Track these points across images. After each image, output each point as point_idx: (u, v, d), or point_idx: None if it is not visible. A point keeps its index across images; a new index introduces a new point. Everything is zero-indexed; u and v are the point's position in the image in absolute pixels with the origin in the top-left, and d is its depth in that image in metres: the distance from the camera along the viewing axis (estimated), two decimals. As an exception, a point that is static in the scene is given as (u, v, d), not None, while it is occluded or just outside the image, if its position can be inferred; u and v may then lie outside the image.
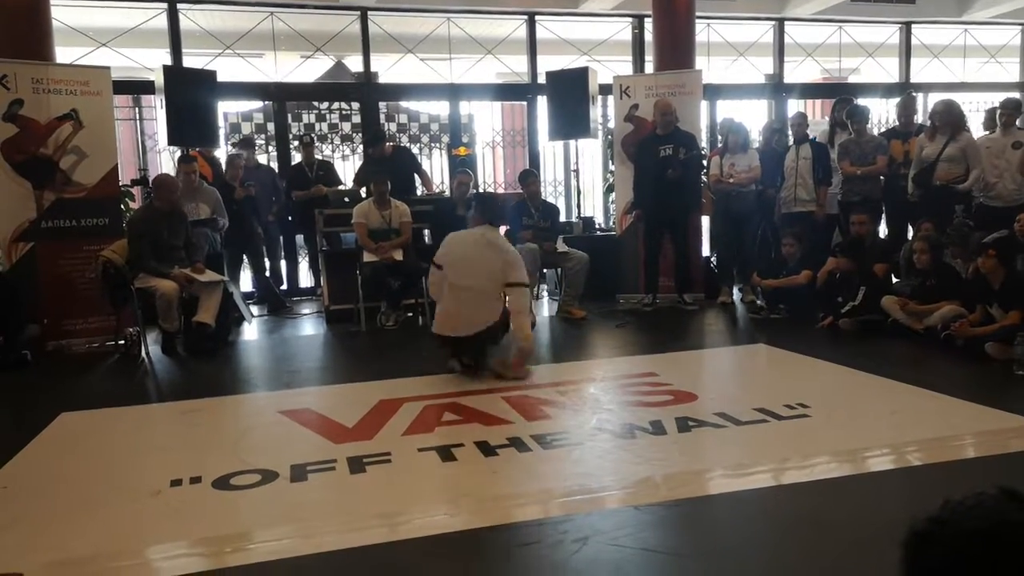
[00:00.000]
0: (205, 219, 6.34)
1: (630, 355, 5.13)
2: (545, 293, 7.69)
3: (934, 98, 9.98)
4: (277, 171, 8.11)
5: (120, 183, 6.47)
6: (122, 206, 6.44)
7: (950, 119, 5.87)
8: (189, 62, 8.08)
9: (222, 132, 7.85)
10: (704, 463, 3.08)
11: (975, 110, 8.76)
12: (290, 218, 7.68)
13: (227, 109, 8.69)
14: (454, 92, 9.01)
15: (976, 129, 6.73)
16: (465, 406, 3.88)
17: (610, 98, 7.76)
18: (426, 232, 6.77)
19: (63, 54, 7.06)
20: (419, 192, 7.39)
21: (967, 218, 5.86)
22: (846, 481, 2.84)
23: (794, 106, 9.62)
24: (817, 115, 11.21)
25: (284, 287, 7.83)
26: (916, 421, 3.45)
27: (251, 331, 6.45)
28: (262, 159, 8.40)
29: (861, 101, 7.24)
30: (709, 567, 2.29)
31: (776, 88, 9.80)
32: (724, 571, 2.27)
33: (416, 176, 7.52)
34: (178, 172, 6.50)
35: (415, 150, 8.64)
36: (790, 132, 6.79)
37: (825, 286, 5.77)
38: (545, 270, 7.05)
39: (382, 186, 6.33)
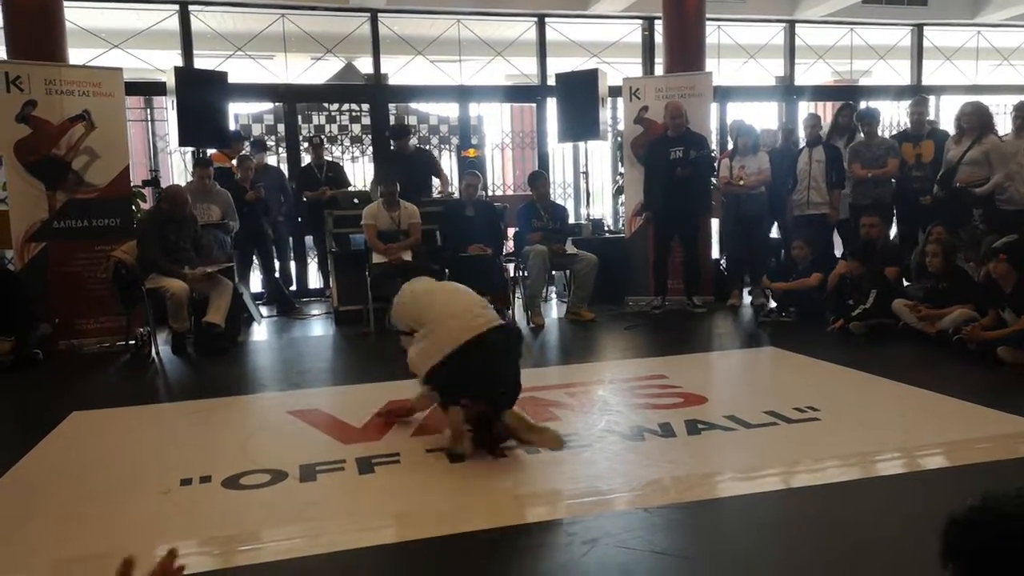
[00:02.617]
0: (216, 222, 6.37)
1: (639, 357, 5.12)
2: (554, 295, 7.69)
3: (946, 101, 9.97)
4: (287, 172, 8.15)
5: (132, 184, 6.51)
6: (133, 207, 6.48)
7: (978, 121, 5.82)
8: (200, 64, 8.12)
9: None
10: (714, 466, 3.07)
11: (996, 113, 8.68)
12: (299, 219, 7.71)
13: (238, 110, 8.74)
14: (463, 94, 9.02)
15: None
16: (474, 407, 3.88)
17: (620, 100, 7.74)
18: (438, 234, 6.77)
19: (76, 55, 7.11)
20: (435, 193, 7.39)
21: (980, 222, 5.83)
22: (856, 485, 2.83)
23: (804, 108, 9.59)
24: (828, 118, 11.16)
25: (293, 288, 7.86)
26: (927, 425, 3.43)
27: (260, 332, 6.47)
28: (271, 160, 8.44)
29: (872, 103, 7.20)
30: (718, 570, 2.28)
31: (787, 90, 9.77)
32: (733, 574, 2.26)
33: (435, 177, 7.52)
34: (194, 175, 6.55)
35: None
36: (801, 134, 6.76)
37: (836, 289, 5.74)
38: (554, 272, 7.05)
39: (391, 187, 6.34)
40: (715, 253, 7.50)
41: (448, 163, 9.27)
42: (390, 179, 6.45)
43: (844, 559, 2.28)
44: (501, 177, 10.02)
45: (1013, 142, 5.91)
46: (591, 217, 8.18)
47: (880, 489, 2.80)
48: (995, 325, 4.67)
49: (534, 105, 9.16)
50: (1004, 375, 4.27)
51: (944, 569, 0.80)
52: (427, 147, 8.95)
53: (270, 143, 8.80)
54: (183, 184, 6.62)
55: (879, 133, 6.75)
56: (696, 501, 2.68)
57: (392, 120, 8.92)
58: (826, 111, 11.60)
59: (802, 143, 6.73)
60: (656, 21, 8.82)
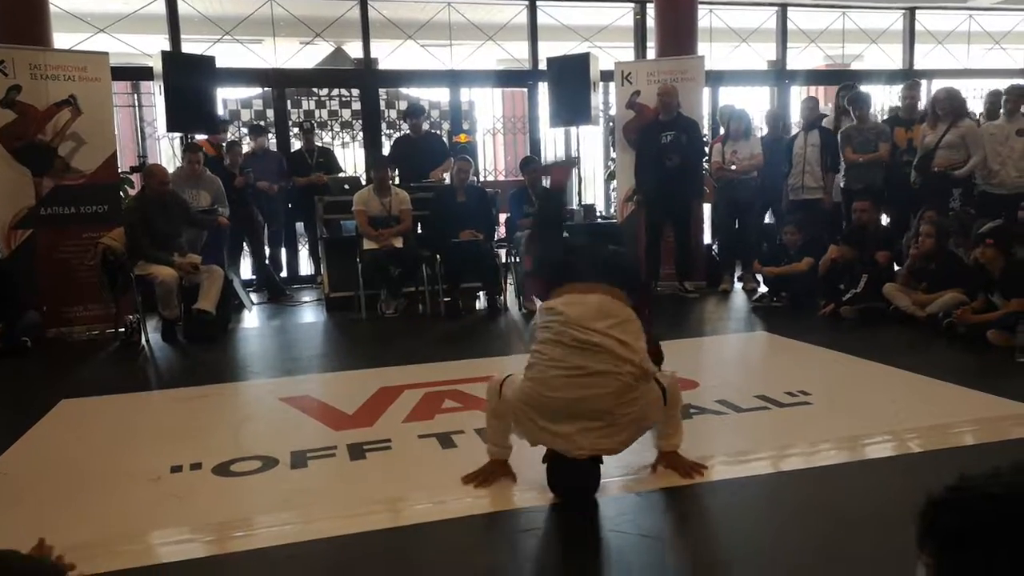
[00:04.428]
0: (206, 208, 6.32)
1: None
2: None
3: (938, 85, 9.95)
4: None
5: (119, 170, 6.45)
6: (121, 193, 6.42)
7: (952, 106, 5.85)
8: (188, 48, 8.03)
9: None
10: (705, 450, 3.07)
11: (978, 96, 8.69)
12: (290, 205, 7.66)
13: (226, 96, 8.65)
14: (454, 78, 8.95)
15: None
16: (465, 393, 3.87)
17: (611, 84, 7.70)
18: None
19: (61, 40, 7.02)
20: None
21: (968, 205, 5.84)
22: (846, 468, 2.84)
23: (797, 93, 9.57)
24: (820, 102, 11.14)
25: (284, 274, 7.82)
26: (917, 408, 3.45)
27: (251, 318, 6.45)
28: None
29: (864, 88, 7.18)
30: (710, 553, 2.29)
31: (779, 75, 9.74)
32: (724, 557, 2.27)
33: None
34: (183, 160, 6.50)
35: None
36: (800, 118, 6.69)
37: (827, 273, 5.76)
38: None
39: (382, 173, 6.30)
40: (707, 238, 7.50)
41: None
42: (380, 164, 6.40)
43: (834, 542, 2.29)
44: (493, 162, 9.98)
45: (1004, 126, 5.92)
46: (583, 202, 8.15)
47: (871, 472, 2.81)
48: (984, 309, 4.70)
49: (526, 90, 9.11)
50: (993, 358, 4.29)
51: (921, 550, 0.80)
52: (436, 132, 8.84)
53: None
54: (172, 170, 6.54)
55: (871, 117, 6.74)
56: (687, 485, 2.68)
57: (383, 104, 8.86)
58: (820, 95, 11.59)
59: (795, 129, 6.71)
60: (648, 5, 8.76)
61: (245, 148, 7.47)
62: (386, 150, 8.01)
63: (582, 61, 7.36)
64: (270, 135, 8.64)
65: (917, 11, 10.25)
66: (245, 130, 8.08)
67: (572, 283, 2.58)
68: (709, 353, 4.98)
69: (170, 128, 6.68)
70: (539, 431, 2.49)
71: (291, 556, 2.29)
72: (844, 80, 8.45)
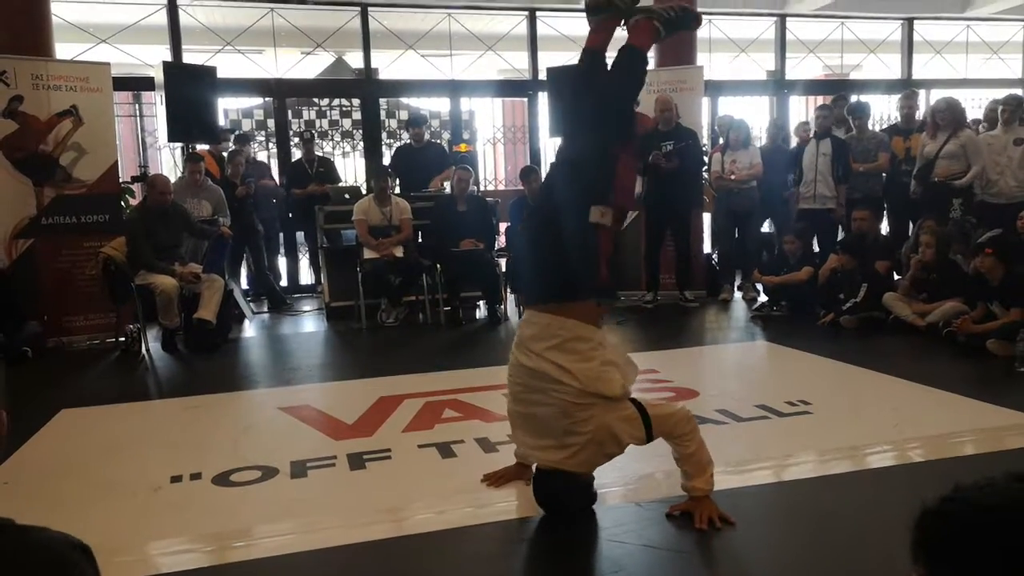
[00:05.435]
0: (207, 218, 6.33)
1: (631, 351, 5.07)
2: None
3: (936, 95, 9.99)
4: (277, 168, 8.11)
5: (120, 180, 6.46)
6: (122, 203, 6.44)
7: (951, 116, 5.87)
8: (189, 58, 8.06)
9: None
10: (705, 460, 3.07)
11: (978, 106, 8.73)
12: (290, 215, 7.67)
13: (227, 106, 8.68)
14: (455, 88, 8.99)
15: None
16: (465, 403, 3.88)
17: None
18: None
19: (63, 50, 7.04)
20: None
21: (968, 215, 5.86)
22: (847, 477, 2.84)
23: (796, 103, 9.59)
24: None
25: (284, 284, 7.82)
26: (917, 417, 3.44)
27: (251, 328, 6.45)
28: (262, 156, 8.39)
29: (863, 98, 7.21)
30: (710, 563, 2.29)
31: (778, 85, 9.77)
32: (725, 567, 2.27)
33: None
34: (185, 170, 6.52)
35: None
36: (813, 126, 6.63)
37: (827, 283, 5.76)
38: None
39: (383, 182, 6.32)
40: (707, 247, 7.51)
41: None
42: (381, 174, 6.42)
43: (835, 551, 2.29)
44: (493, 172, 10.00)
45: (1001, 136, 5.94)
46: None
47: (871, 481, 2.81)
48: (984, 318, 4.70)
49: (525, 100, 9.14)
50: (993, 368, 4.29)
51: (915, 561, 0.80)
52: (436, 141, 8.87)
53: (260, 138, 8.75)
54: (174, 180, 6.56)
55: (870, 127, 6.75)
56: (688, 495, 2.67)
57: (384, 114, 8.89)
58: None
59: (793, 139, 6.73)
60: (647, 15, 8.79)
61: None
62: (386, 160, 8.04)
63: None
64: (270, 145, 8.68)
65: (915, 21, 10.30)
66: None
67: (535, 303, 2.58)
68: (709, 362, 4.98)
69: (171, 138, 6.69)
70: (517, 439, 2.65)
71: (291, 566, 2.29)
72: (843, 90, 8.48)
